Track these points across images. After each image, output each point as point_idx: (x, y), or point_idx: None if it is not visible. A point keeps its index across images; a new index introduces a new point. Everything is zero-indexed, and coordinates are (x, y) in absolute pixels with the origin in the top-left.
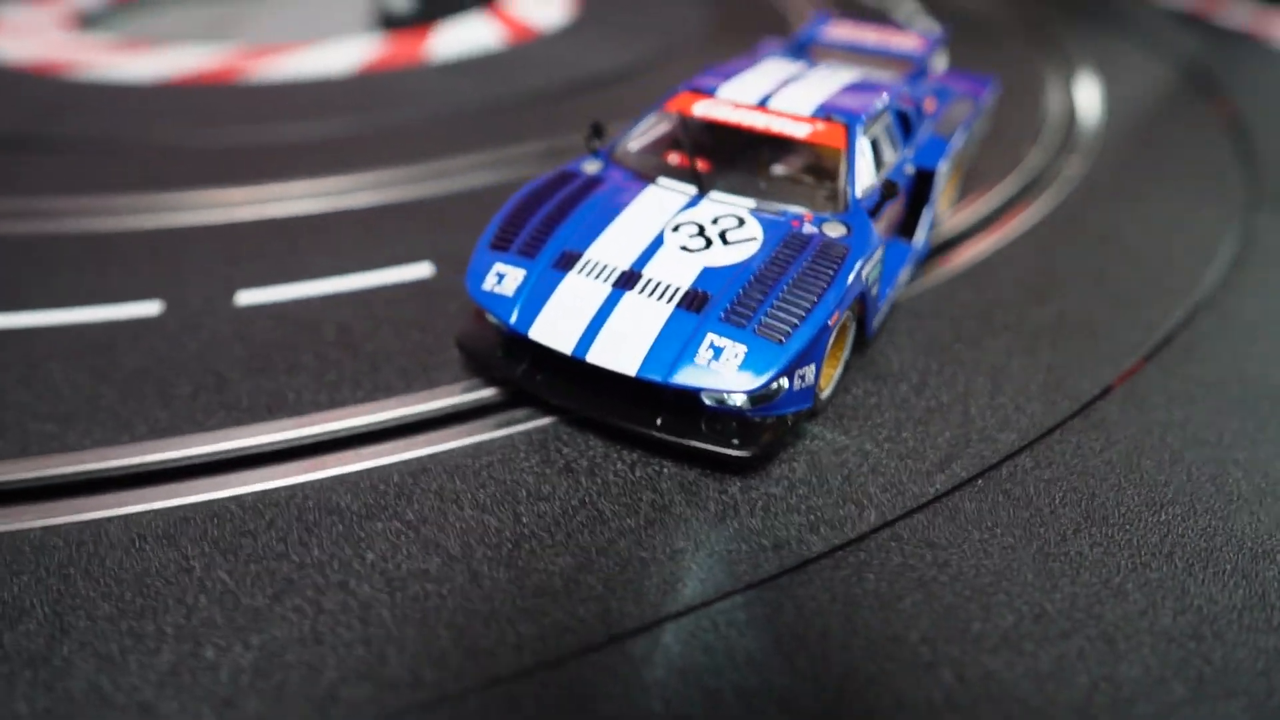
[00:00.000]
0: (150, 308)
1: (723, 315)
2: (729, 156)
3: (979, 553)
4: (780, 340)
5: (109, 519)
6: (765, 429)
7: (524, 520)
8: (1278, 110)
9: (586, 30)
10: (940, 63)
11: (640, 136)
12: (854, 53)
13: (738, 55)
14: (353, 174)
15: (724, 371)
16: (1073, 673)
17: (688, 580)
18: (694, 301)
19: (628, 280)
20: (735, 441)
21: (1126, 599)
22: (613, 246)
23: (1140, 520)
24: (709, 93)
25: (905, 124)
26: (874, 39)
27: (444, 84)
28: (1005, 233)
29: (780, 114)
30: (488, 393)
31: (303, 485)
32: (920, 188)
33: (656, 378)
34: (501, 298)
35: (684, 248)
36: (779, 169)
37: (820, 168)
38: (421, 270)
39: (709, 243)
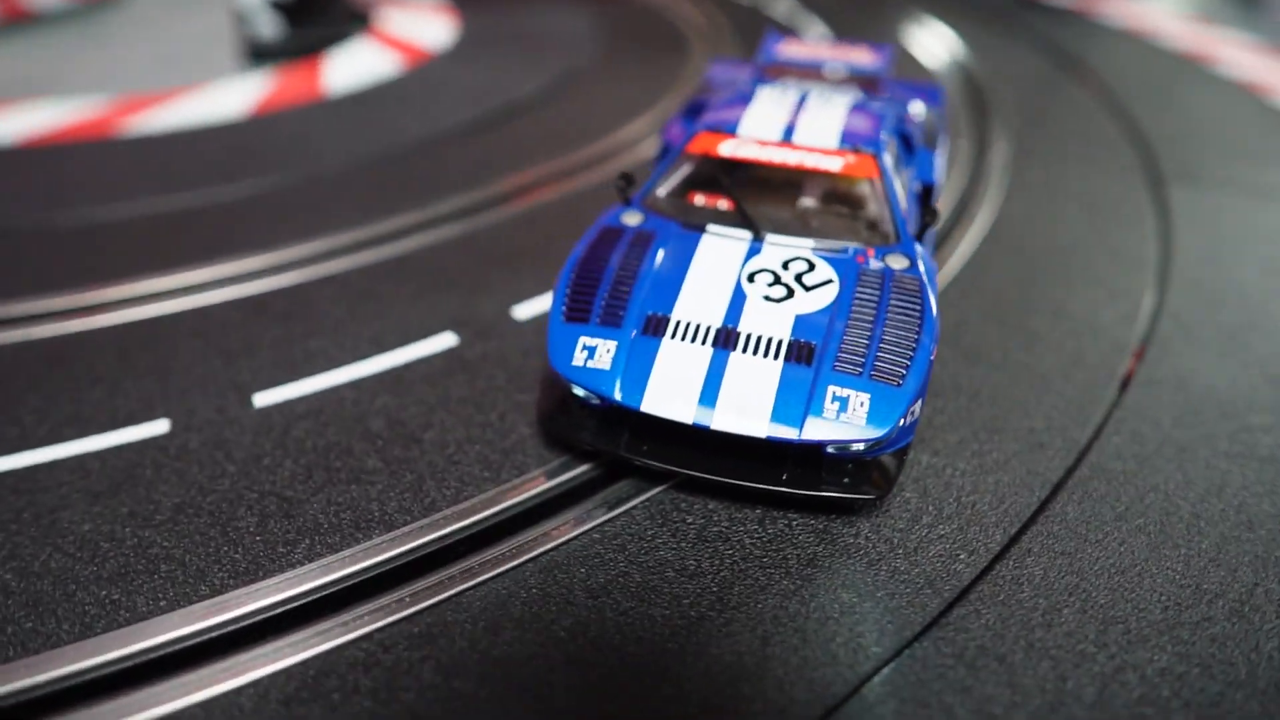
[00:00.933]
0: (156, 427)
1: (836, 365)
2: (763, 195)
3: (1102, 549)
4: (897, 384)
5: (239, 689)
6: (877, 466)
7: (685, 603)
8: (1142, 83)
9: (479, 50)
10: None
11: (668, 181)
12: (813, 70)
13: (701, 82)
14: (311, 238)
15: (854, 421)
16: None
17: (867, 632)
18: (801, 354)
19: (726, 339)
20: (865, 487)
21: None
22: (696, 305)
23: None
24: (729, 131)
25: (907, 143)
26: (830, 55)
27: (360, 119)
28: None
29: (808, 148)
30: (582, 468)
31: (437, 609)
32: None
33: (789, 437)
34: (598, 372)
35: (767, 298)
36: (811, 203)
37: (852, 197)
38: (444, 340)
39: (790, 290)
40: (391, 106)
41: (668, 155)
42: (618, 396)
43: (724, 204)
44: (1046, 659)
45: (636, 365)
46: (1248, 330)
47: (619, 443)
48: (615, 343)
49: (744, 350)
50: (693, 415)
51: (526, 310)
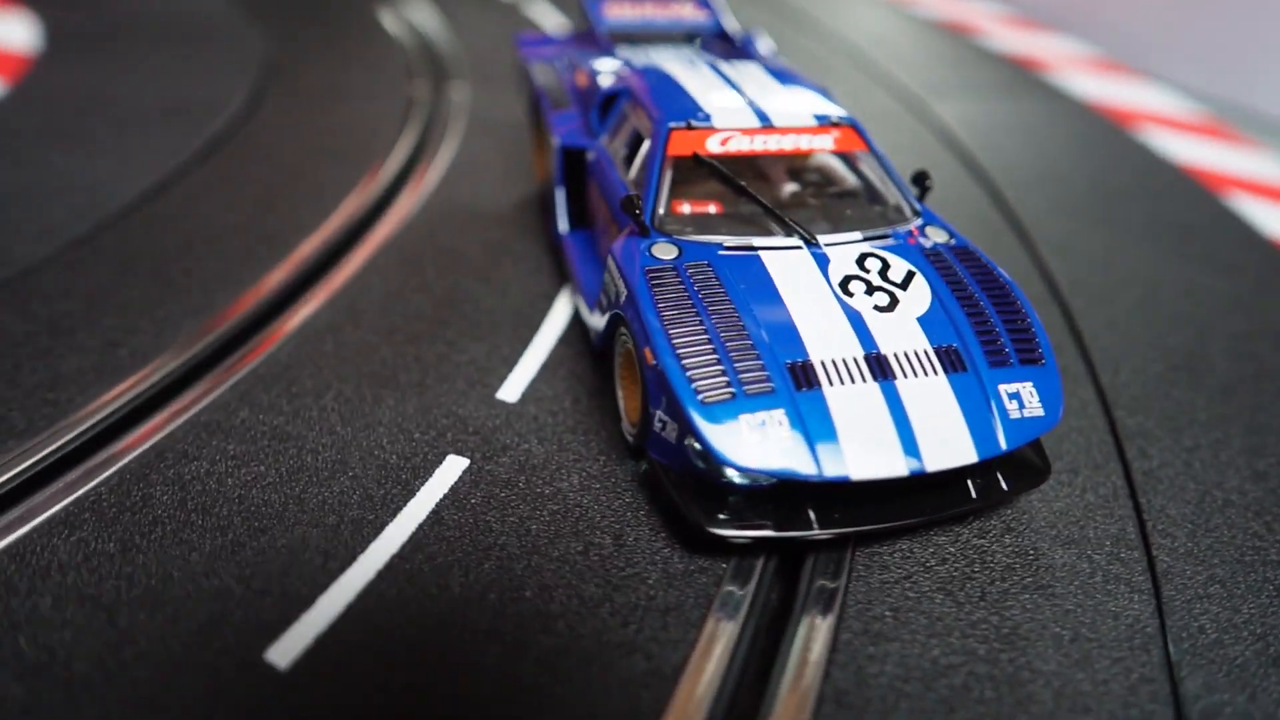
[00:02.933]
0: None
1: (990, 362)
2: (759, 191)
3: None
4: (1042, 361)
5: None
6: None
7: (977, 672)
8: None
9: (89, 50)
10: None
11: (663, 195)
12: (648, 31)
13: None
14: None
15: (1034, 411)
16: None
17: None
18: (952, 360)
19: (880, 368)
20: (1033, 472)
21: None
22: (822, 338)
23: None
24: (704, 124)
25: None
26: (662, 14)
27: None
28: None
29: (793, 129)
30: (756, 561)
31: None
32: None
33: (997, 451)
34: (790, 454)
35: (878, 308)
36: (809, 189)
37: (837, 175)
38: (452, 469)
39: (890, 294)
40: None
41: (651, 166)
42: (821, 471)
43: (714, 208)
44: None
45: (816, 428)
46: None
47: (809, 522)
48: (781, 410)
49: (904, 375)
50: (905, 466)
51: (513, 386)
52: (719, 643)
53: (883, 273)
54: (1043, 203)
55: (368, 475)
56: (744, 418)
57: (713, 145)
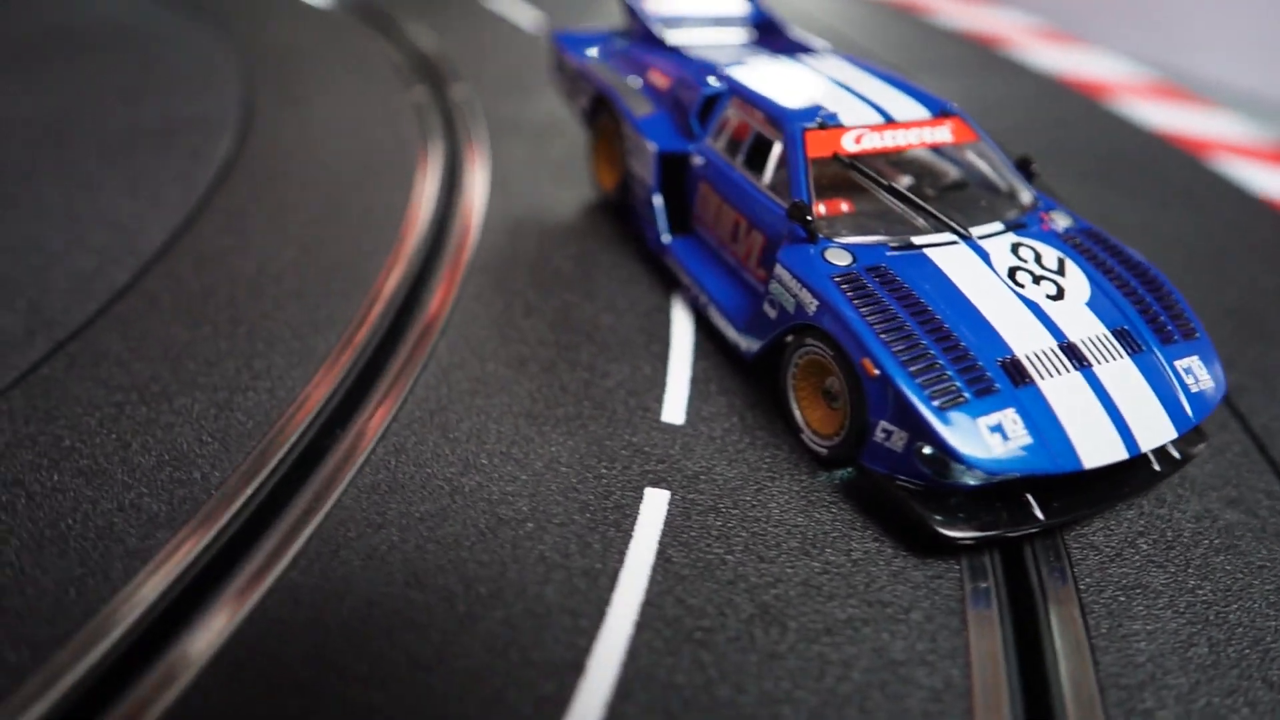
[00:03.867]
0: None
1: (1160, 340)
2: (895, 184)
3: None
4: (1196, 334)
5: None
6: None
7: (1215, 637)
8: None
9: (13, 70)
10: None
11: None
12: (695, 23)
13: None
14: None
15: (1205, 383)
16: None
17: None
18: (1129, 342)
19: (1076, 357)
20: (1199, 440)
21: None
22: (1018, 333)
23: None
24: (834, 123)
25: None
26: (706, 6)
27: None
28: None
29: (914, 123)
30: (983, 558)
31: None
32: None
33: (1190, 424)
34: (1030, 450)
35: (1049, 297)
36: (930, 182)
37: (935, 167)
38: (655, 503)
39: (1055, 283)
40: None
41: (795, 170)
42: (1061, 464)
43: (846, 207)
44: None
45: (1043, 423)
46: None
47: (1035, 514)
48: (1011, 409)
49: (1098, 361)
50: (1124, 449)
51: (674, 407)
52: (987, 643)
53: (1038, 261)
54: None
55: (574, 520)
56: (980, 420)
57: (848, 144)
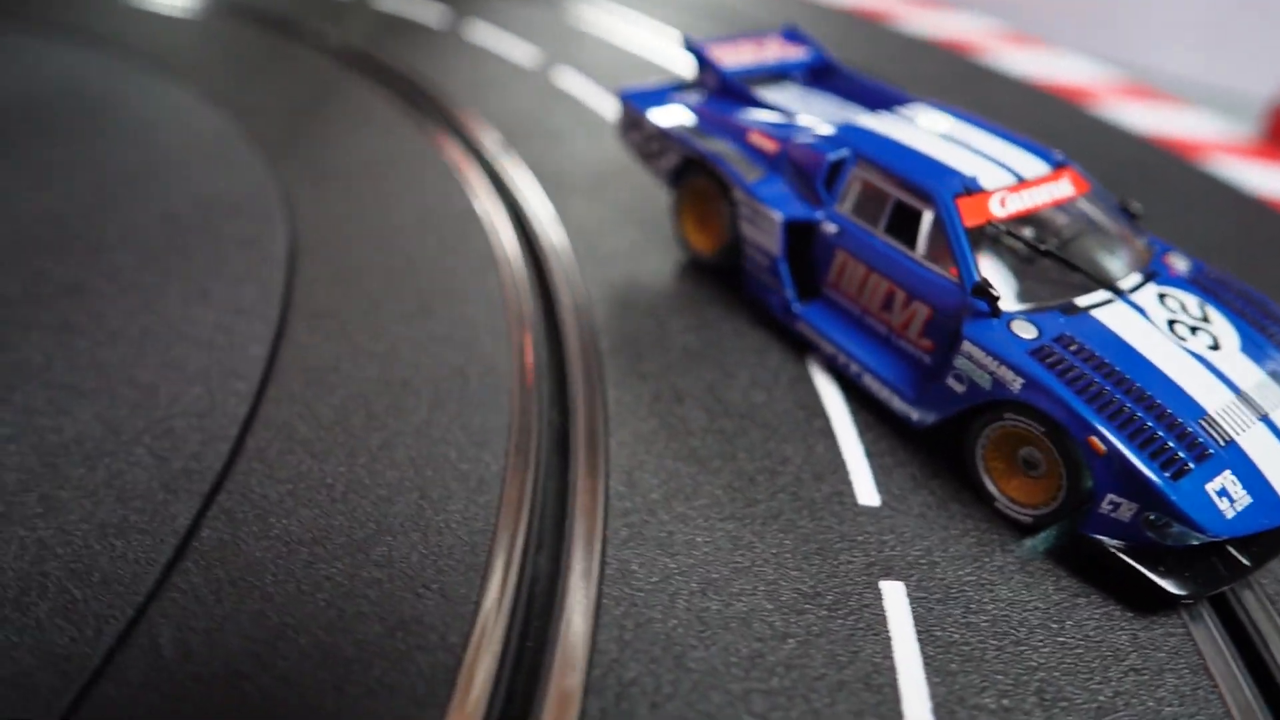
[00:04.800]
0: None
1: None
2: (1048, 246)
3: None
4: None
5: None
6: None
7: None
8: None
9: None
10: None
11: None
12: (763, 74)
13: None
14: None
15: None
16: None
17: None
18: None
19: (1252, 407)
20: None
21: None
22: (1201, 391)
23: None
24: (974, 189)
25: None
26: (772, 55)
27: None
28: None
29: (1040, 180)
30: (1201, 608)
31: None
32: None
33: None
34: (1253, 508)
35: (1210, 348)
36: (1056, 236)
37: (1048, 221)
38: (894, 598)
39: (1210, 334)
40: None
41: (956, 241)
42: (1277, 517)
43: (992, 270)
44: None
45: (1254, 478)
46: None
47: (1242, 562)
48: (1228, 470)
49: (1272, 409)
50: None
51: (864, 488)
52: (1238, 695)
53: (1184, 310)
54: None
55: (829, 630)
56: (1208, 486)
57: (996, 209)
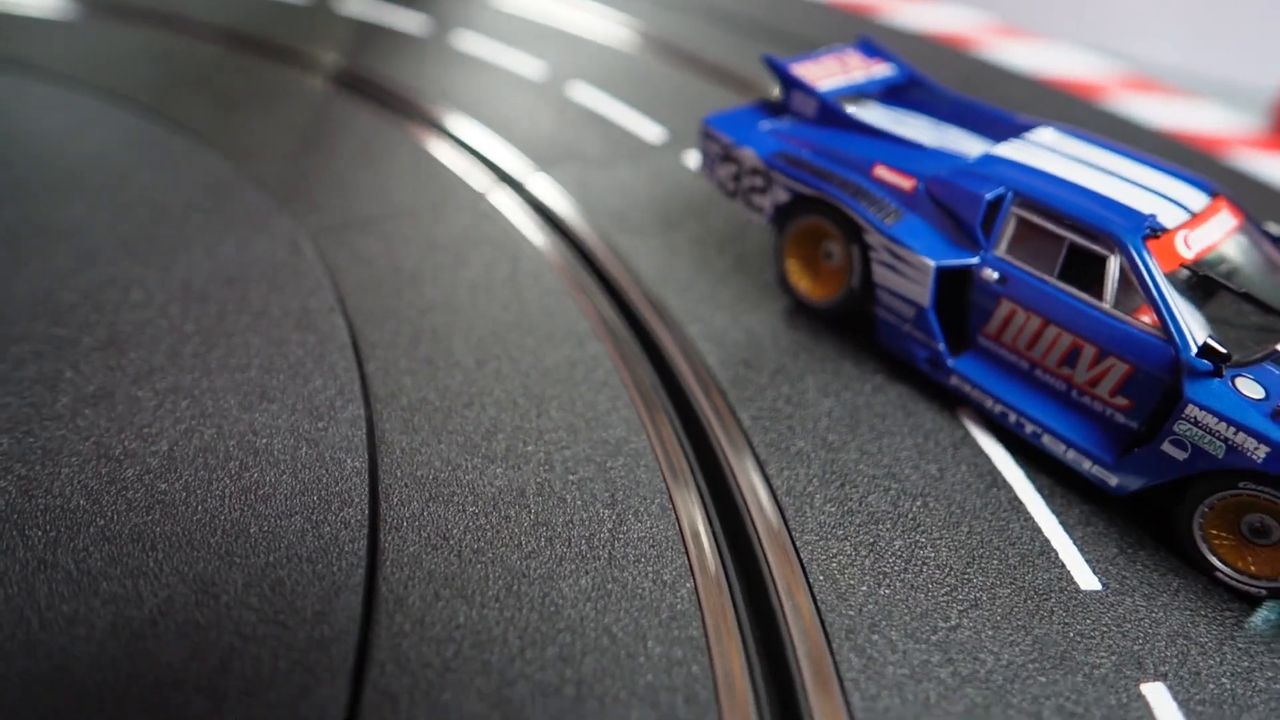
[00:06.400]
0: None
1: None
2: (1210, 285)
3: None
4: None
5: None
6: None
7: None
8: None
9: None
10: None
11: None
12: (856, 94)
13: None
14: None
15: None
16: None
17: None
18: None
19: None
20: None
21: None
22: None
23: None
24: (1158, 230)
25: None
26: (862, 74)
27: None
28: None
29: (1208, 214)
30: None
31: None
32: None
33: None
34: None
35: None
36: (1226, 268)
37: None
38: (1161, 702)
39: None
40: None
41: (1153, 292)
42: None
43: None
44: None
45: None
46: None
47: None
48: None
49: None
50: None
51: (1079, 570)
52: None
53: None
54: None
55: None
56: None
57: (1183, 250)
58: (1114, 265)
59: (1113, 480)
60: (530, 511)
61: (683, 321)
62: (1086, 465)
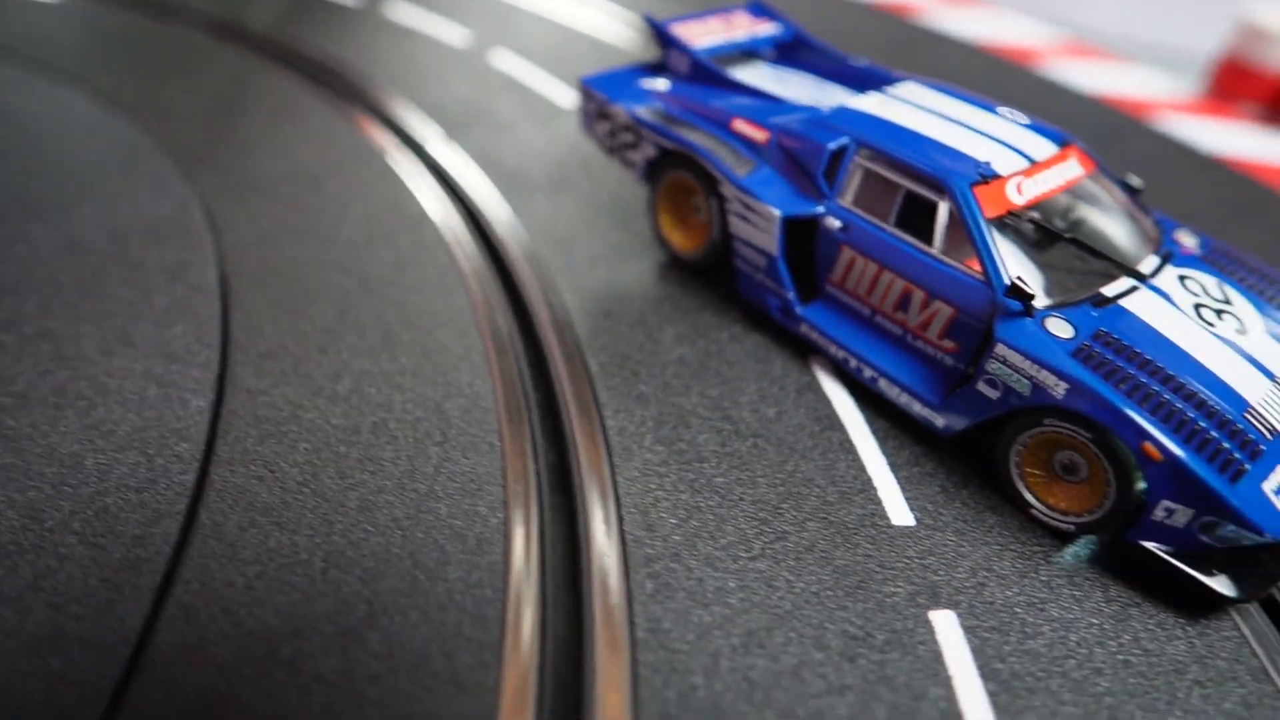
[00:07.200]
0: None
1: None
2: (1050, 233)
3: None
4: None
5: None
6: None
7: None
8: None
9: None
10: None
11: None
12: (734, 52)
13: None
14: None
15: None
16: None
17: None
18: None
19: None
20: None
21: None
22: (1240, 381)
23: None
24: (990, 176)
25: None
26: (742, 33)
27: None
28: None
29: (1050, 161)
30: (1249, 608)
31: None
32: None
33: None
34: None
35: (1238, 332)
36: (1072, 219)
37: (1075, 197)
38: (947, 628)
39: (1235, 317)
40: None
41: (977, 236)
42: None
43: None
44: None
45: None
46: None
47: None
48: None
49: None
50: None
51: (895, 507)
52: None
53: (1206, 292)
54: None
55: (887, 676)
56: (1264, 486)
57: (1014, 197)
58: (944, 210)
59: (939, 421)
60: (360, 448)
61: (554, 274)
62: (916, 407)
